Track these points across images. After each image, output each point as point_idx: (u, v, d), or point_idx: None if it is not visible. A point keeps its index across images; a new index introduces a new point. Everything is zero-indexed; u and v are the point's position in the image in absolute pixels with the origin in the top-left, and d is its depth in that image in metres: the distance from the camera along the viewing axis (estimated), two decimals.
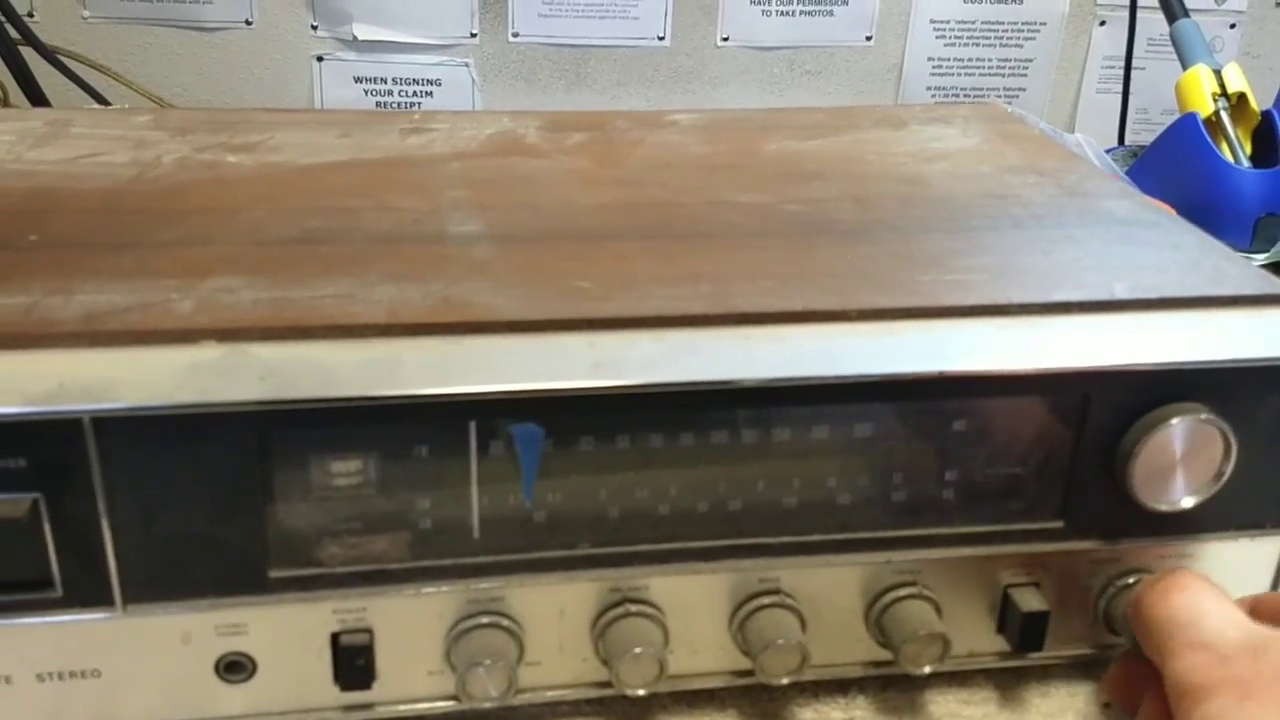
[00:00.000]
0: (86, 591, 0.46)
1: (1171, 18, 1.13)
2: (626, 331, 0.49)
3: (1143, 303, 0.52)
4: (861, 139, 0.73)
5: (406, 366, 0.46)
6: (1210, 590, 0.48)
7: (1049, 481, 0.52)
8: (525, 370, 0.47)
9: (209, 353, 0.46)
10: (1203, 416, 0.50)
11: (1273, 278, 0.55)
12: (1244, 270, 0.56)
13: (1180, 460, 0.51)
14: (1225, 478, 0.51)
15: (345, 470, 0.47)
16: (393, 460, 0.48)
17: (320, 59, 1.38)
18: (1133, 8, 1.32)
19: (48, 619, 0.47)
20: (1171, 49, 1.15)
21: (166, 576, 0.47)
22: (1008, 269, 0.55)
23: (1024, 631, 0.53)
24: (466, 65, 1.40)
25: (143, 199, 0.59)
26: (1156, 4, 1.18)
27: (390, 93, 1.41)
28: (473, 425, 0.47)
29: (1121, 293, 0.53)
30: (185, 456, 0.45)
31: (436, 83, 1.41)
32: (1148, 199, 0.68)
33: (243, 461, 0.45)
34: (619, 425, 0.49)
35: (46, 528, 0.45)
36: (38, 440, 0.44)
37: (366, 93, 1.41)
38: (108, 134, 0.68)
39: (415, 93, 1.41)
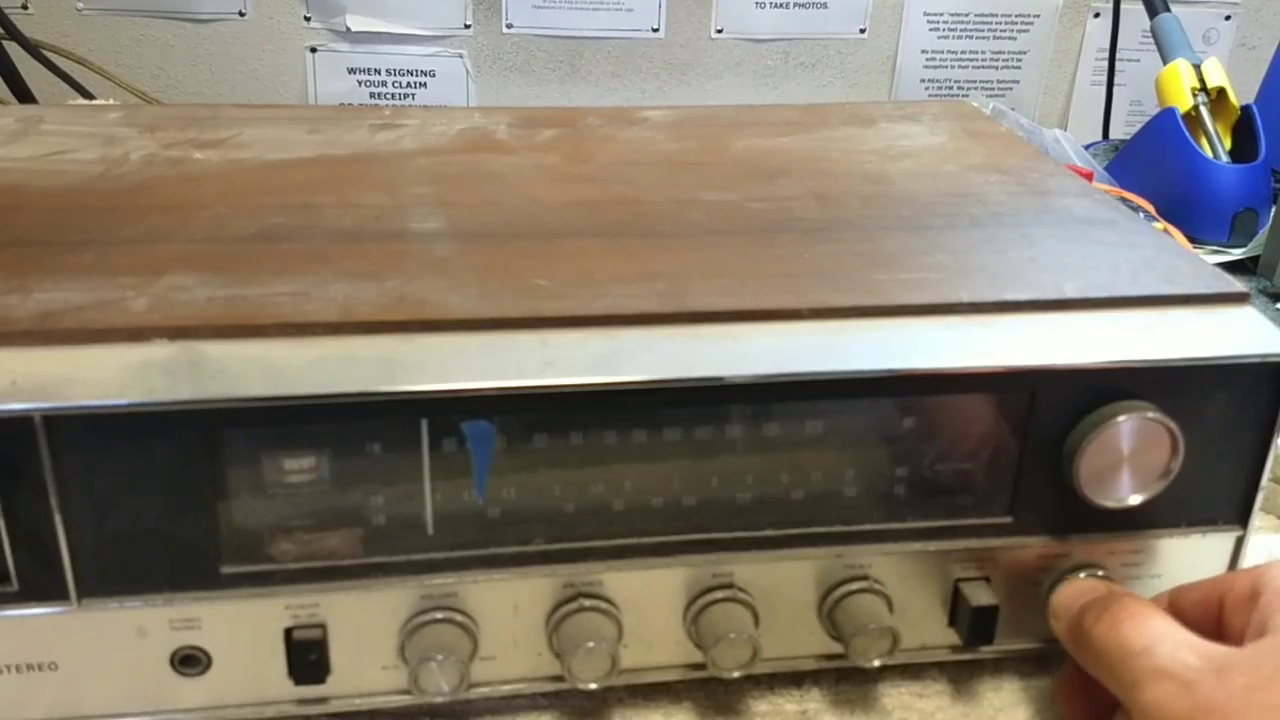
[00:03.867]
0: (42, 586, 0.47)
1: (1153, 12, 1.13)
2: (580, 330, 0.49)
3: (1091, 301, 0.53)
4: (830, 136, 0.74)
5: (357, 365, 0.47)
6: (1156, 613, 0.48)
7: (997, 478, 0.52)
8: (477, 368, 0.47)
9: (160, 351, 0.46)
10: (1149, 415, 0.50)
11: (1226, 276, 0.56)
12: (1197, 269, 0.56)
13: (1127, 458, 0.51)
14: (1173, 475, 0.52)
15: (296, 468, 0.48)
16: (344, 458, 0.48)
17: (314, 50, 1.39)
18: (1116, 1, 1.32)
19: (5, 613, 0.47)
20: None
21: (120, 572, 0.47)
22: (962, 268, 0.55)
23: (974, 625, 0.54)
24: (460, 57, 1.40)
25: (107, 196, 0.59)
26: None
27: (384, 84, 1.41)
28: (424, 423, 0.48)
29: (1071, 291, 0.53)
30: (136, 454, 0.45)
31: (430, 74, 1.41)
32: (1119, 195, 0.68)
33: (192, 459, 0.46)
34: (571, 423, 0.49)
35: (0, 523, 0.45)
36: None
37: (360, 84, 1.41)
38: (78, 131, 0.68)
39: (409, 84, 1.42)
